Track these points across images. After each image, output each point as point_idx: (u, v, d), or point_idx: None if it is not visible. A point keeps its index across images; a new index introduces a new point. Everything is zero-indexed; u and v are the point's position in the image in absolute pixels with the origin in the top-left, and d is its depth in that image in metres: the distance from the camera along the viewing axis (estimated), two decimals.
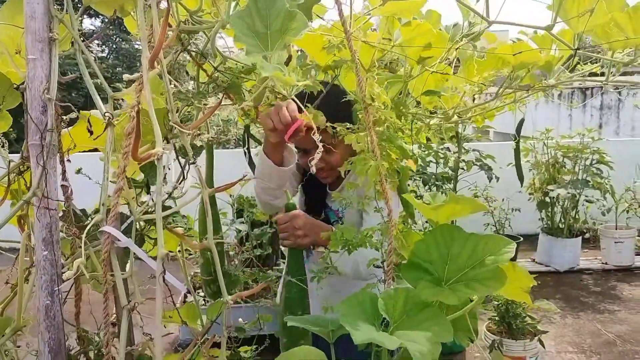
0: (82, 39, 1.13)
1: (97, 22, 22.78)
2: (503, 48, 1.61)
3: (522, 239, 5.70)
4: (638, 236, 5.95)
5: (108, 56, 24.07)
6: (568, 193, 5.16)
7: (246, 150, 1.70)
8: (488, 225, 5.84)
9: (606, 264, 5.73)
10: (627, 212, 5.79)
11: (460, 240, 1.11)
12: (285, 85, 1.24)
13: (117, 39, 23.01)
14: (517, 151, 2.84)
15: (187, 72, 1.45)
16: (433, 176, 5.52)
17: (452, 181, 5.71)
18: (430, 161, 5.69)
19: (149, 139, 1.34)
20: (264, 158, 1.58)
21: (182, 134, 1.03)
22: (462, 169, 5.65)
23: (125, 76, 0.99)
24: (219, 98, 1.34)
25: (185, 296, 3.52)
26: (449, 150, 5.66)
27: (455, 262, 1.09)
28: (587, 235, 6.11)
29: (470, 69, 1.77)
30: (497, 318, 3.34)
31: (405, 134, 1.89)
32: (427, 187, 5.53)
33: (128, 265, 1.05)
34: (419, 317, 1.01)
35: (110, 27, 21.14)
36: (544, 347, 3.31)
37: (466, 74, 1.76)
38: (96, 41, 24.49)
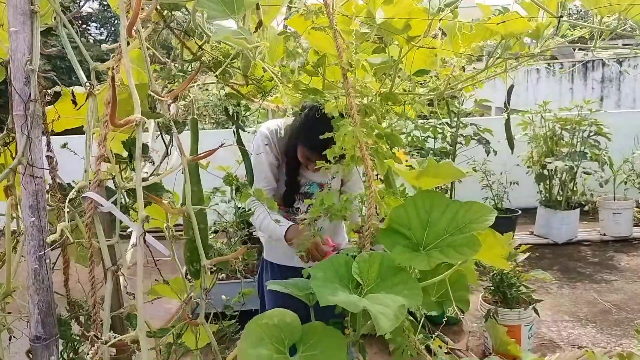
0: (79, 21, 1.15)
1: (95, 5, 22.64)
2: (491, 19, 1.61)
3: (520, 212, 5.73)
4: (636, 207, 5.97)
5: (107, 39, 23.99)
6: (566, 165, 5.17)
7: (235, 130, 1.72)
8: (486, 199, 5.86)
9: (604, 235, 5.76)
10: (625, 183, 5.81)
11: (441, 206, 1.13)
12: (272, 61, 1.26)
13: (116, 22, 22.87)
14: (507, 119, 2.84)
15: (170, 49, 1.47)
16: (431, 151, 5.53)
17: (450, 156, 5.72)
18: (428, 136, 5.70)
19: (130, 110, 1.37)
20: (282, 239, 1.89)
21: (162, 103, 1.05)
22: (460, 143, 5.66)
23: (104, 46, 1.01)
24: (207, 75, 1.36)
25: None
26: (448, 125, 5.66)
27: (435, 228, 1.12)
28: (586, 208, 6.13)
29: (456, 41, 1.77)
30: (492, 288, 3.38)
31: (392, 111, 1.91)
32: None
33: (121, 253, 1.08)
34: (392, 281, 1.04)
35: (108, 9, 21.02)
36: (538, 316, 3.35)
37: (453, 46, 1.76)
38: (94, 24, 24.36)
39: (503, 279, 3.30)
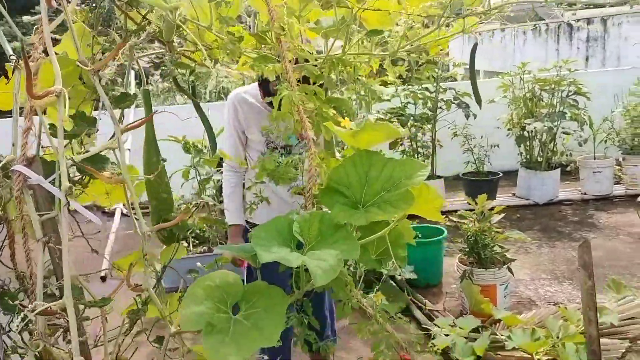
0: None
1: None
2: None
3: (501, 174, 5.77)
4: (617, 165, 6.03)
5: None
6: (545, 126, 5.19)
7: (195, 105, 1.71)
8: (468, 163, 5.89)
9: (585, 194, 5.82)
10: (605, 142, 5.84)
11: (379, 164, 1.15)
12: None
13: None
14: (472, 74, 2.84)
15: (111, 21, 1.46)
16: (411, 117, 5.53)
17: (432, 121, 5.73)
18: (408, 102, 5.69)
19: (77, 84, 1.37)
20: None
21: (91, 73, 1.05)
22: (441, 108, 5.66)
23: (26, 17, 1.00)
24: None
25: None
26: (428, 91, 5.65)
27: (373, 186, 1.14)
28: (568, 168, 6.18)
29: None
30: (467, 249, 3.44)
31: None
32: (405, 128, 5.54)
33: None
34: (332, 238, 1.07)
35: None
36: (512, 275, 3.42)
37: (405, 5, 1.75)
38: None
39: (477, 240, 3.35)
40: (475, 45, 2.71)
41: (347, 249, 1.04)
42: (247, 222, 2.32)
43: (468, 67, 6.03)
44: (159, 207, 1.56)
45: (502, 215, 3.59)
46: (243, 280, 2.31)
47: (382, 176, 1.12)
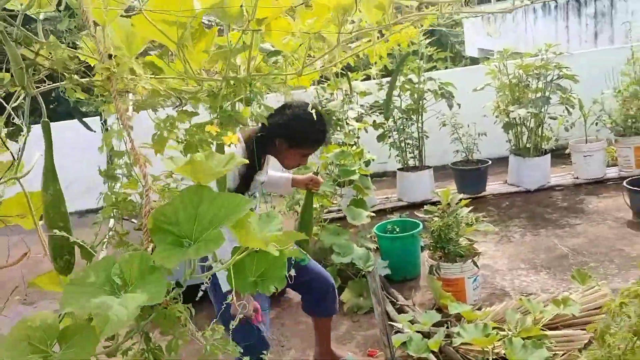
0: None
1: None
2: None
3: (490, 162, 5.74)
4: (610, 146, 5.93)
5: None
6: (528, 112, 5.14)
7: (84, 124, 1.77)
8: (458, 152, 5.87)
9: (577, 178, 5.75)
10: (596, 124, 5.74)
11: (208, 200, 1.18)
12: None
13: None
14: (392, 83, 2.86)
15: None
16: (395, 110, 5.53)
17: (418, 112, 5.71)
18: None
19: None
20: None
21: None
22: (425, 99, 5.64)
23: None
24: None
25: None
26: (412, 82, 5.63)
27: (202, 222, 1.17)
28: (567, 151, 6.09)
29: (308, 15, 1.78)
30: (433, 244, 3.46)
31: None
32: (390, 121, 5.55)
33: None
34: (148, 279, 1.10)
35: None
36: (477, 267, 3.42)
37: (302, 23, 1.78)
38: None
39: (441, 235, 3.37)
40: (407, 54, 2.71)
41: (154, 292, 1.06)
42: None
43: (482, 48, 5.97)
44: (55, 237, 1.63)
45: (470, 208, 3.60)
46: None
47: (210, 212, 1.16)
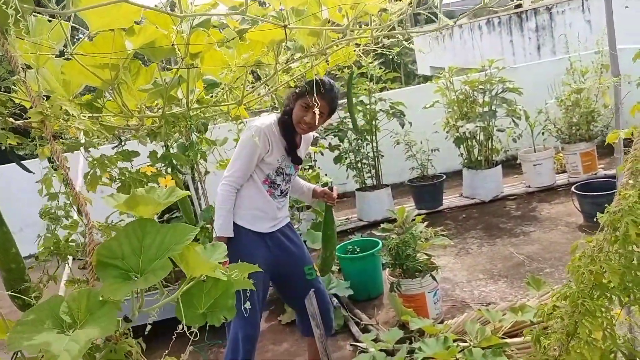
0: None
1: None
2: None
3: (444, 177, 5.86)
4: (557, 154, 6.14)
5: None
6: (476, 127, 5.29)
7: (22, 167, 1.76)
8: (413, 169, 5.98)
9: (529, 187, 5.93)
10: (543, 133, 5.95)
11: (153, 232, 1.19)
12: None
13: None
14: (349, 102, 3.01)
15: None
16: (349, 131, 5.61)
17: (372, 132, 5.80)
18: (346, 117, 5.77)
19: None
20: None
21: None
22: (377, 119, 5.75)
23: None
24: None
25: None
26: (363, 103, 5.73)
27: (148, 254, 1.18)
28: (518, 161, 6.29)
29: (243, 48, 1.82)
30: (391, 261, 3.50)
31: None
32: (344, 143, 5.62)
33: None
34: (98, 314, 1.10)
35: None
36: (436, 282, 3.48)
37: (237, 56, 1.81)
38: None
39: (399, 253, 3.42)
40: (352, 74, 2.80)
41: (106, 325, 1.07)
42: (245, 228, 2.61)
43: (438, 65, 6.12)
44: (9, 278, 1.61)
45: (426, 223, 3.67)
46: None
47: (155, 243, 1.17)
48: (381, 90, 5.84)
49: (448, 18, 1.66)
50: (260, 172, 2.63)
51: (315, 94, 2.39)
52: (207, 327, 1.39)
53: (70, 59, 1.45)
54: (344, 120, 5.68)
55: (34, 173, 1.69)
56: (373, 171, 5.94)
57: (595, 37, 6.30)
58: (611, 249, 1.26)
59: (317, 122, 2.52)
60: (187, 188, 3.86)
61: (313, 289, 2.66)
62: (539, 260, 4.26)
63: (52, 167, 1.49)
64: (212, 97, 1.96)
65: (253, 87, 1.91)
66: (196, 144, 2.33)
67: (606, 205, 1.41)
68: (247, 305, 2.02)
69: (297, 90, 2.56)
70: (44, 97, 1.50)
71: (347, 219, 6.10)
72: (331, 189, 2.94)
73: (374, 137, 5.78)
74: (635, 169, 1.27)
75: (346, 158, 5.87)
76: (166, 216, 4.16)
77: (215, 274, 1.20)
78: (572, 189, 4.89)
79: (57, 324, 1.10)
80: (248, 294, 2.20)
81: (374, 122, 5.72)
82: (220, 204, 2.55)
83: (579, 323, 1.30)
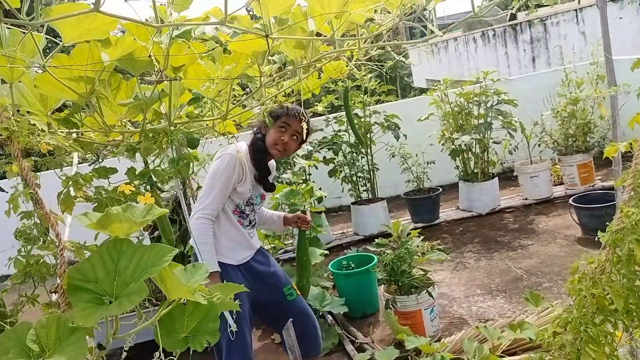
0: None
1: None
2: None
3: (440, 189, 5.80)
4: (553, 165, 6.09)
5: None
6: (472, 139, 5.24)
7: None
8: (409, 182, 5.92)
9: (526, 199, 5.86)
10: (539, 145, 5.90)
11: (129, 253, 1.12)
12: None
13: None
14: (348, 115, 2.92)
15: None
16: (344, 144, 5.55)
17: (366, 145, 5.75)
18: (340, 130, 5.72)
19: None
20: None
21: None
22: (372, 132, 5.70)
23: None
24: None
25: None
26: (358, 116, 5.68)
27: (123, 276, 1.10)
28: (514, 174, 6.23)
29: (225, 60, 1.76)
30: (386, 278, 3.41)
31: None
32: (339, 156, 5.56)
33: None
34: (67, 341, 1.03)
35: None
36: (433, 298, 3.39)
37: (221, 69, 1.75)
38: None
39: (394, 268, 3.34)
40: (347, 89, 2.75)
41: (75, 355, 1.00)
42: (221, 262, 2.46)
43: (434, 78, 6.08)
44: None
45: (423, 236, 3.60)
46: None
47: (132, 264, 1.10)
48: (376, 102, 5.79)
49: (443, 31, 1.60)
50: (230, 202, 2.53)
51: (293, 116, 2.44)
52: (191, 353, 1.31)
53: (43, 71, 1.38)
54: (338, 134, 5.63)
55: (7, 192, 1.62)
56: (368, 184, 5.87)
57: (590, 48, 6.28)
58: (613, 270, 1.18)
59: (293, 144, 2.53)
60: (179, 204, 3.78)
61: (291, 319, 2.58)
62: (537, 274, 4.18)
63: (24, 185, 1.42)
64: (201, 111, 1.89)
65: (238, 101, 1.84)
66: (187, 158, 2.26)
67: (607, 222, 1.34)
68: (234, 327, 1.93)
69: (271, 115, 2.48)
70: (18, 112, 1.43)
71: (342, 233, 6.02)
72: (304, 212, 2.86)
73: (369, 150, 5.72)
74: (637, 185, 1.21)
75: (341, 171, 5.81)
76: (156, 233, 4.07)
77: (194, 298, 1.12)
78: (570, 201, 4.82)
79: (24, 353, 1.02)
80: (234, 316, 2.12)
81: (368, 135, 5.66)
82: (200, 239, 2.37)
83: (581, 351, 1.22)
